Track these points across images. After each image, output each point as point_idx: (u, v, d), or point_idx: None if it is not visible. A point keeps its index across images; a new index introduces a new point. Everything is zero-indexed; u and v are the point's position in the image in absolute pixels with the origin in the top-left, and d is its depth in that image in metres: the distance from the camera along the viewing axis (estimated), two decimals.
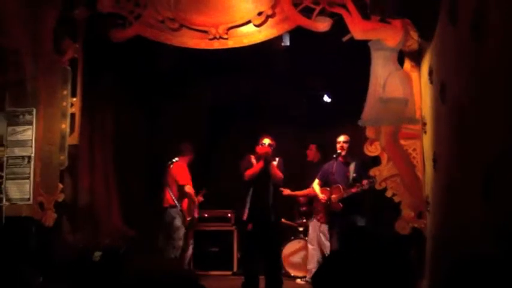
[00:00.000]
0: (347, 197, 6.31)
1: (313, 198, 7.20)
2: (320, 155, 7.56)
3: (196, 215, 7.32)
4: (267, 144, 6.33)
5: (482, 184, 2.77)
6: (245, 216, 6.28)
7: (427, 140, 4.98)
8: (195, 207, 7.26)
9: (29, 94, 5.94)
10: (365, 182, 6.12)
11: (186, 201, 7.02)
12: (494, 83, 2.60)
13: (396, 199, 5.23)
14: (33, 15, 5.90)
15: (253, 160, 6.51)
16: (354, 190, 6.28)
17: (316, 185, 6.95)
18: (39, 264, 5.52)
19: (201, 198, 7.53)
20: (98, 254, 6.29)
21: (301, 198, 7.63)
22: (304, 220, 7.57)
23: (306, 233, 7.38)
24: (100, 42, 6.09)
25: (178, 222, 6.88)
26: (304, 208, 7.65)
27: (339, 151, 6.58)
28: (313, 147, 7.66)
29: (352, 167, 6.53)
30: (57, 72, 5.97)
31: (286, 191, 7.20)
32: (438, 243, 4.46)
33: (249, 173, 6.39)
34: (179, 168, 7.07)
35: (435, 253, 4.60)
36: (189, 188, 6.98)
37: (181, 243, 6.89)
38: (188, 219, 6.97)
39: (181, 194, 6.97)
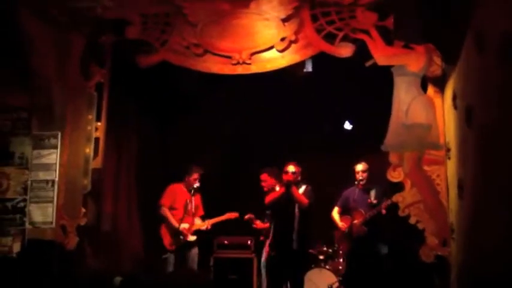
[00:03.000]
0: (369, 223, 6.26)
1: (332, 227, 7.13)
2: (276, 179, 6.89)
3: (186, 238, 7.06)
4: (290, 171, 6.32)
5: (509, 211, 2.72)
6: (269, 242, 6.27)
7: (451, 166, 4.92)
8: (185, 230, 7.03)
9: (55, 118, 6.02)
10: (384, 203, 6.11)
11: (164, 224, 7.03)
12: None
13: (420, 226, 5.14)
14: (62, 41, 6.02)
15: (277, 187, 6.53)
16: (375, 211, 6.24)
17: (336, 213, 6.91)
18: None
19: (203, 227, 7.24)
20: (118, 280, 6.33)
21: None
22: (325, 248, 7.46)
23: (326, 261, 7.28)
24: (126, 68, 6.20)
25: None
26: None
27: (359, 179, 6.56)
28: (265, 176, 6.99)
29: (372, 193, 6.51)
30: (83, 96, 6.06)
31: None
32: (463, 272, 4.38)
33: (269, 198, 6.39)
34: (167, 188, 7.16)
35: (460, 281, 4.51)
36: (162, 210, 7.00)
37: (168, 268, 6.85)
38: (166, 243, 6.95)
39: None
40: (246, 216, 7.22)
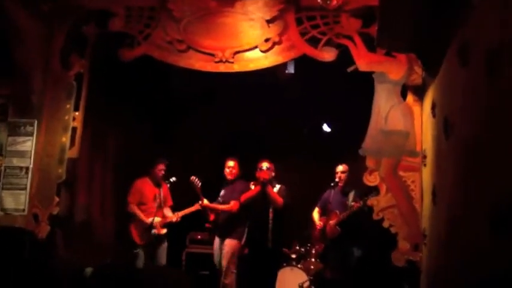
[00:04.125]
0: (344, 224, 6.35)
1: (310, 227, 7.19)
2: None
3: (158, 231, 7.01)
4: (265, 168, 6.37)
5: (491, 220, 2.79)
6: (243, 241, 6.29)
7: (426, 173, 5.03)
8: (150, 223, 6.94)
9: (33, 106, 5.97)
10: (355, 203, 6.21)
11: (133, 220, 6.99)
12: (505, 122, 2.65)
13: (393, 230, 5.25)
14: (45, 30, 5.97)
15: (252, 186, 6.57)
16: (349, 212, 6.34)
17: (316, 213, 7.00)
18: (31, 276, 5.50)
19: (173, 219, 7.11)
20: (89, 270, 6.28)
21: (211, 214, 7.00)
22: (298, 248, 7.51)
23: (299, 260, 7.35)
24: (107, 60, 6.16)
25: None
26: (208, 225, 7.17)
27: (336, 180, 6.64)
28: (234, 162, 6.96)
29: (351, 196, 6.60)
30: (63, 86, 6.01)
31: (205, 203, 6.85)
32: (435, 278, 4.47)
33: (244, 197, 6.42)
34: (133, 184, 7.11)
35: (430, 286, 4.61)
36: (130, 207, 6.97)
37: (138, 263, 6.82)
38: (136, 238, 6.93)
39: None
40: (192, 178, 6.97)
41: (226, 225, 6.61)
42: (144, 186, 7.11)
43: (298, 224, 7.45)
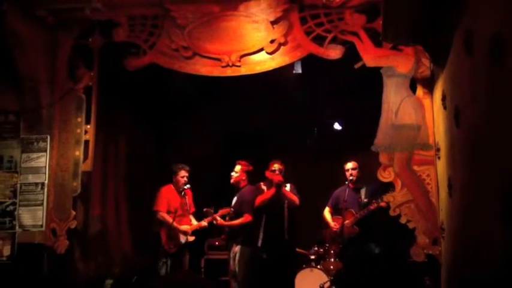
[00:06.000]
0: (361, 223, 6.29)
1: (324, 227, 7.12)
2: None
3: (184, 240, 6.90)
4: (277, 169, 6.34)
5: (501, 209, 2.75)
6: (259, 243, 6.25)
7: (441, 166, 4.97)
8: (180, 232, 6.85)
9: (44, 121, 6.03)
10: (375, 202, 6.15)
11: (163, 228, 6.85)
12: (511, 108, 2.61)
13: (410, 225, 5.21)
14: (50, 43, 6.03)
15: (264, 187, 6.52)
16: (367, 210, 6.27)
17: (327, 212, 6.91)
18: None
19: (203, 224, 7.00)
20: (109, 282, 6.30)
21: (226, 229, 6.93)
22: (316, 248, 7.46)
23: (318, 261, 7.30)
24: (114, 71, 6.18)
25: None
26: (223, 236, 7.15)
27: (350, 178, 6.58)
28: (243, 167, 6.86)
29: (363, 192, 6.54)
30: (72, 99, 6.06)
31: (219, 221, 6.74)
32: (453, 270, 4.42)
33: (259, 199, 6.37)
34: (159, 192, 6.98)
35: (450, 280, 4.56)
36: (160, 216, 6.81)
37: (162, 272, 6.70)
38: (167, 246, 6.79)
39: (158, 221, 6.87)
40: (205, 210, 7.02)
41: (240, 233, 6.56)
42: (170, 193, 7.07)
43: (310, 223, 7.38)
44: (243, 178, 6.80)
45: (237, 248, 6.48)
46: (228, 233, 6.88)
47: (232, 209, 6.77)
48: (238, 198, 6.72)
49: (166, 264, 6.74)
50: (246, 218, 6.54)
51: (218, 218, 6.77)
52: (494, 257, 2.93)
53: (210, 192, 7.51)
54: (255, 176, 6.80)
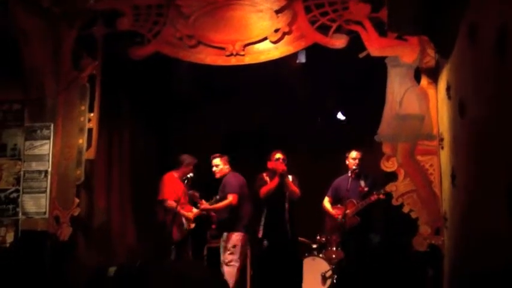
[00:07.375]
0: (362, 213, 6.30)
1: (324, 217, 7.13)
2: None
3: (188, 227, 6.99)
4: (281, 159, 6.32)
5: (506, 200, 2.75)
6: (260, 234, 6.25)
7: (444, 156, 4.98)
8: (185, 220, 6.93)
9: (48, 110, 6.05)
10: (375, 193, 6.16)
11: (170, 216, 6.82)
12: None
13: (413, 215, 5.21)
14: (54, 33, 6.03)
15: (266, 178, 6.50)
16: (368, 201, 6.28)
17: (327, 202, 6.91)
18: (54, 279, 5.55)
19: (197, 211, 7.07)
20: (112, 269, 6.32)
21: (213, 214, 6.97)
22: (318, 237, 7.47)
23: (320, 250, 7.32)
24: (118, 60, 6.18)
25: None
26: (214, 226, 7.11)
27: (354, 167, 6.56)
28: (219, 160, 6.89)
29: (362, 182, 6.54)
30: (76, 88, 6.06)
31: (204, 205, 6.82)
32: (457, 260, 4.43)
33: (264, 190, 6.35)
34: (163, 181, 7.00)
35: (453, 270, 4.57)
36: (168, 203, 6.82)
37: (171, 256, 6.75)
38: (174, 234, 6.81)
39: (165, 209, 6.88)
40: (190, 192, 7.05)
41: (230, 219, 6.56)
42: (174, 181, 7.08)
43: (311, 213, 7.36)
44: (226, 167, 6.81)
45: (225, 235, 6.50)
46: (218, 222, 6.88)
47: (217, 197, 6.77)
48: (221, 185, 6.71)
49: (174, 251, 6.79)
50: (230, 200, 6.48)
51: (203, 202, 6.83)
52: (499, 250, 2.93)
53: (214, 185, 7.50)
54: (258, 169, 6.77)
